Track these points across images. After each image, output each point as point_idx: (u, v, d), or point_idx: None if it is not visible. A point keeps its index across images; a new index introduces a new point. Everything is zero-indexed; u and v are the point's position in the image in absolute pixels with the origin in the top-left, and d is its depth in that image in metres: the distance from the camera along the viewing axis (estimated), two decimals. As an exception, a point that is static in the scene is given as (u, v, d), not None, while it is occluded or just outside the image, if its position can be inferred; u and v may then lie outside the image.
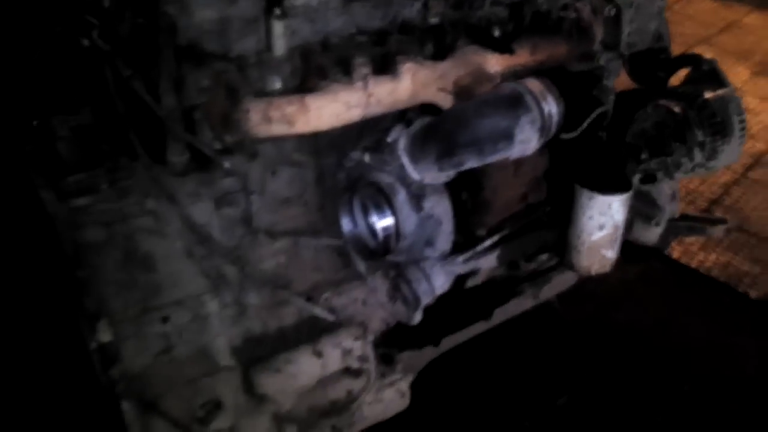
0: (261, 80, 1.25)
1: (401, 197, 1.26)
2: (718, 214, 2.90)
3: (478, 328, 1.79)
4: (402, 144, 1.19)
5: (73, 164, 1.43)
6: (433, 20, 1.42)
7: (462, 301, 1.68)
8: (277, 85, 1.27)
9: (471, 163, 1.16)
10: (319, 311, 1.41)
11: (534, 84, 1.14)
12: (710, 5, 4.62)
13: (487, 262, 1.38)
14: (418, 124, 1.21)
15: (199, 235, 1.26)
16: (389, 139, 1.20)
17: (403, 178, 1.25)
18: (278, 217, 1.42)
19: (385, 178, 1.28)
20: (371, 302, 1.49)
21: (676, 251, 2.73)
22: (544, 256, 1.70)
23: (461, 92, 1.29)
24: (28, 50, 1.77)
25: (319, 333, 1.42)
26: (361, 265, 1.41)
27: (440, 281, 1.25)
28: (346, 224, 1.38)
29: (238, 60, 1.24)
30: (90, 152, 1.45)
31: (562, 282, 1.86)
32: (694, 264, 2.70)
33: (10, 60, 1.80)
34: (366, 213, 1.35)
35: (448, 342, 1.72)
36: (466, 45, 1.42)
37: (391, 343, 1.55)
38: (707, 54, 1.64)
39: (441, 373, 1.73)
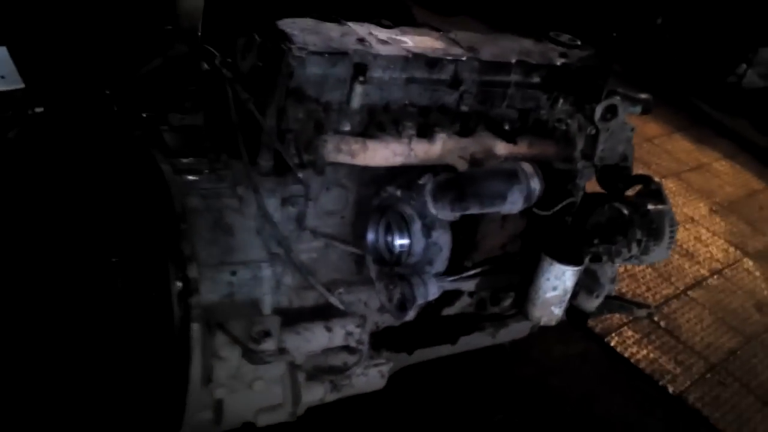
0: (337, 122, 1.76)
1: (417, 226, 1.75)
2: (657, 317, 3.42)
3: (444, 350, 2.27)
4: (429, 187, 1.69)
5: (174, 150, 1.92)
6: (463, 108, 1.95)
7: (435, 326, 2.16)
8: (348, 128, 1.78)
9: (473, 209, 1.66)
10: (334, 300, 1.87)
11: (527, 166, 1.66)
12: (687, 145, 5.24)
13: (467, 286, 1.87)
14: (443, 176, 1.72)
15: (267, 220, 1.74)
16: (421, 182, 1.70)
17: (421, 212, 1.75)
18: (321, 223, 1.90)
19: (408, 210, 1.78)
20: (370, 304, 1.97)
21: (613, 341, 3.23)
22: (506, 302, 2.19)
23: (474, 162, 1.81)
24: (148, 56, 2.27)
25: (330, 316, 1.88)
26: (372, 271, 1.89)
27: (433, 290, 1.73)
28: (370, 237, 1.87)
29: (325, 105, 1.75)
30: (192, 144, 1.93)
31: (516, 330, 2.34)
32: (626, 354, 3.18)
33: (134, 63, 2.30)
34: (388, 233, 1.84)
35: (420, 355, 2.19)
36: (483, 131, 1.95)
37: (379, 343, 2.02)
38: (673, 185, 2.18)
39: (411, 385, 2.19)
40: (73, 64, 2.58)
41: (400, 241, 1.77)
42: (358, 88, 1.74)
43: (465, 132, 1.90)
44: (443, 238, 1.73)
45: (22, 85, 3.00)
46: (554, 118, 2.05)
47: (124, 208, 2.01)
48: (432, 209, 1.67)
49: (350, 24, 1.88)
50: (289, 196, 1.80)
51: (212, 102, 1.95)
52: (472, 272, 1.83)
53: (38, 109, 2.43)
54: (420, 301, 1.71)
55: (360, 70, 1.72)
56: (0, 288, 2.21)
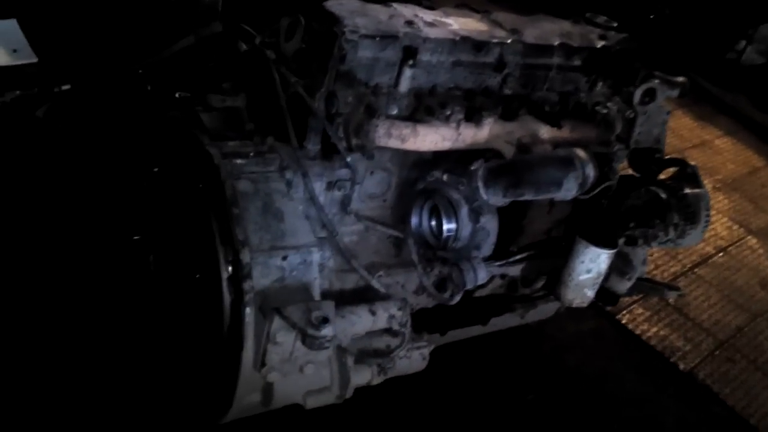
0: (386, 106, 1.75)
1: (465, 211, 1.76)
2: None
3: (474, 330, 2.29)
4: (480, 173, 1.69)
5: (215, 133, 1.90)
6: (507, 91, 1.95)
7: (468, 307, 2.18)
8: (396, 111, 1.77)
9: (527, 196, 1.67)
10: (376, 283, 1.88)
11: (582, 153, 1.67)
12: (689, 122, 5.27)
13: (513, 271, 1.89)
14: (495, 161, 1.72)
15: (315, 204, 1.74)
16: (472, 167, 1.70)
17: (469, 197, 1.76)
18: (363, 206, 1.90)
19: (455, 194, 1.78)
20: (408, 287, 1.99)
21: (624, 318, 3.27)
22: (537, 284, 2.21)
23: (521, 147, 1.81)
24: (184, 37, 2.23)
25: (372, 299, 1.89)
26: (415, 255, 1.89)
27: (482, 275, 1.74)
28: (414, 222, 1.87)
29: (374, 88, 1.74)
30: (234, 127, 1.91)
31: (544, 310, 2.37)
32: (638, 332, 3.23)
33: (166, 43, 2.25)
34: (433, 217, 1.84)
35: (451, 335, 2.21)
36: (526, 114, 1.95)
37: (419, 325, 2.03)
38: (680, 162, 2.20)
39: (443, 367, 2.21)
40: (95, 39, 2.53)
41: (447, 226, 1.77)
42: (408, 72, 1.72)
43: (508, 116, 1.89)
44: (491, 223, 1.74)
45: (34, 60, 2.94)
46: (593, 101, 2.05)
47: (162, 190, 1.99)
48: (483, 195, 1.68)
49: (395, 5, 1.86)
50: (336, 180, 1.79)
51: (254, 84, 1.92)
52: (518, 257, 1.84)
53: (65, 87, 2.39)
54: (469, 286, 1.72)
55: (410, 53, 1.71)
56: (30, 268, 2.19)
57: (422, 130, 1.73)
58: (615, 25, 2.19)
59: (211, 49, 2.16)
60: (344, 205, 1.84)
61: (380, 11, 1.79)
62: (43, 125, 2.20)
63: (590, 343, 3.15)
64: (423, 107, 1.78)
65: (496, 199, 1.69)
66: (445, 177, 1.79)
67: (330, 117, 1.71)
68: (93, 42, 2.60)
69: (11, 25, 3.03)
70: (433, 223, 1.83)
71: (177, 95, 2.07)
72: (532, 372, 2.70)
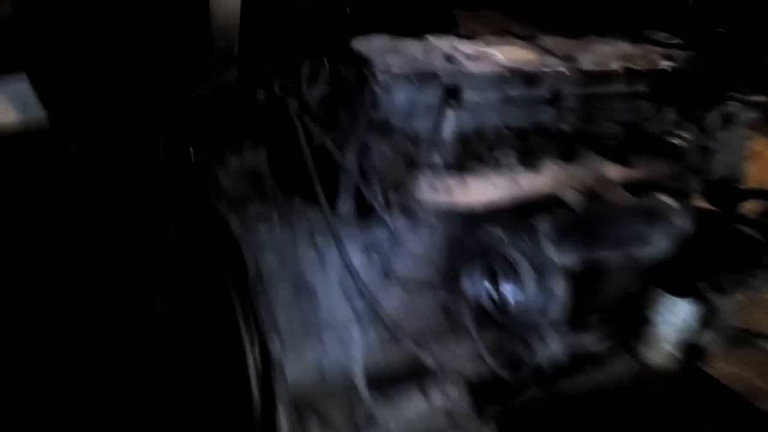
0: (428, 155, 1.51)
1: (528, 272, 1.49)
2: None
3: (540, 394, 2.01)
4: (545, 228, 1.43)
5: (235, 195, 1.68)
6: (563, 127, 1.69)
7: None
8: (439, 160, 1.52)
9: (607, 257, 1.40)
10: (427, 358, 1.62)
11: (671, 201, 1.40)
12: (740, 135, 4.93)
13: (586, 339, 1.62)
14: (561, 214, 1.46)
15: (351, 273, 1.49)
16: (534, 222, 1.45)
17: (532, 256, 1.49)
18: (406, 268, 1.65)
19: (515, 253, 1.52)
20: (462, 355, 1.72)
21: (696, 357, 2.95)
22: (608, 340, 1.93)
23: (589, 193, 1.55)
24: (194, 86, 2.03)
25: (423, 375, 1.63)
26: (470, 323, 1.63)
27: (555, 347, 1.48)
28: (468, 285, 1.61)
29: (413, 136, 1.50)
30: (255, 187, 1.69)
31: (619, 372, 2.08)
32: (710, 370, 2.92)
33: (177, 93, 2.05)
34: (490, 279, 1.58)
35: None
36: (587, 152, 1.69)
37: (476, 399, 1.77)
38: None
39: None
40: (105, 93, 2.34)
41: (506, 290, 1.51)
42: (451, 115, 1.48)
43: (568, 155, 1.64)
44: (559, 286, 1.47)
45: (44, 115, 2.76)
46: (662, 130, 1.79)
47: (179, 259, 1.78)
48: (551, 255, 1.42)
49: (430, 38, 1.62)
50: (374, 242, 1.55)
51: (275, 137, 1.70)
52: (595, 322, 1.57)
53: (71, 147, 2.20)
54: (540, 360, 1.46)
55: (452, 93, 1.47)
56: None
57: (472, 181, 1.49)
58: (678, 42, 1.93)
59: (228, 99, 1.95)
60: (385, 269, 1.59)
61: (414, 47, 1.56)
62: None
63: (660, 381, 2.84)
64: (471, 154, 1.54)
65: (567, 258, 1.43)
66: (501, 233, 1.53)
67: (363, 172, 1.47)
68: (104, 95, 2.42)
69: (20, 79, 2.88)
70: (492, 286, 1.56)
71: (191, 151, 1.85)
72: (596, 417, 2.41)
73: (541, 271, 1.49)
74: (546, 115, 1.67)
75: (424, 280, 1.69)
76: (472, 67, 1.54)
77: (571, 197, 1.56)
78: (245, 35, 2.22)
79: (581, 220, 1.44)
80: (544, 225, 1.42)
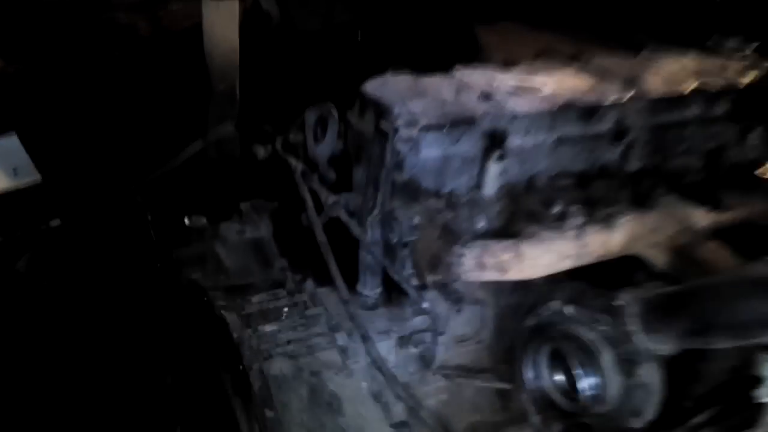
0: (470, 219, 1.19)
1: (608, 359, 1.17)
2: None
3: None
4: (634, 310, 1.11)
5: (236, 279, 1.38)
6: (632, 166, 1.37)
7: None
8: (483, 223, 1.21)
9: (723, 344, 1.07)
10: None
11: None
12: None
13: None
14: (652, 289, 1.14)
15: (384, 375, 1.18)
16: (617, 303, 1.12)
17: (612, 339, 1.17)
18: (451, 355, 1.34)
19: (589, 334, 1.20)
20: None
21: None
22: None
23: (678, 251, 1.22)
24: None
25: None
26: (535, 418, 1.31)
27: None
28: (528, 375, 1.29)
29: (449, 198, 1.19)
30: (259, 266, 1.39)
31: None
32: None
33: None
34: (558, 368, 1.26)
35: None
36: (665, 194, 1.36)
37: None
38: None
39: None
40: (96, 156, 2.07)
41: (585, 382, 1.19)
42: (495, 168, 1.17)
43: (642, 201, 1.31)
44: (654, 376, 1.14)
45: (38, 178, 2.49)
46: (748, 157, 1.45)
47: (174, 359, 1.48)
48: (646, 343, 1.09)
49: (459, 71, 1.32)
50: (410, 334, 1.24)
51: (279, 203, 1.40)
52: (700, 417, 1.23)
53: (54, 223, 1.92)
54: (636, 477, 1.13)
55: (496, 141, 1.15)
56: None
57: (528, 249, 1.16)
58: (754, 47, 1.60)
59: (224, 156, 1.66)
60: (426, 361, 1.28)
61: (442, 85, 1.26)
62: (24, 280, 1.71)
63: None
64: (522, 213, 1.22)
65: (664, 346, 1.10)
66: (570, 310, 1.21)
67: (390, 248, 1.16)
68: (89, 156, 2.14)
69: (11, 141, 2.61)
70: (560, 377, 1.24)
71: (186, 221, 1.56)
72: None
73: (629, 360, 1.16)
74: (611, 154, 1.35)
75: (474, 368, 1.38)
76: (516, 105, 1.23)
77: (657, 258, 1.24)
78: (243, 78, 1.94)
79: (683, 300, 1.11)
80: (632, 308, 1.09)
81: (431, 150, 1.15)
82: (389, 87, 1.23)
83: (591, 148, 1.33)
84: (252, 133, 1.56)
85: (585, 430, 1.25)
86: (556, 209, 1.23)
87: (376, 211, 1.16)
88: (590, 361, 1.19)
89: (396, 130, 1.10)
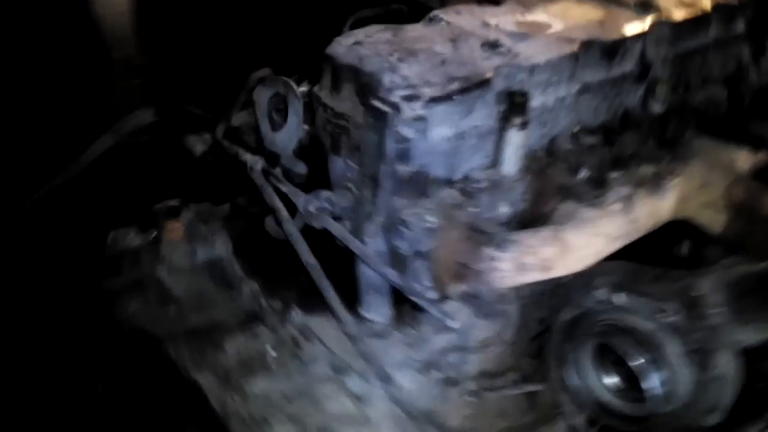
0: (492, 207, 0.93)
1: (676, 351, 0.96)
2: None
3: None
4: (719, 298, 0.89)
5: (189, 309, 1.09)
6: (655, 108, 1.13)
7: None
8: (506, 210, 0.95)
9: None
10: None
11: None
12: None
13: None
14: (736, 271, 0.92)
15: (416, 418, 0.93)
16: (696, 293, 0.90)
17: (680, 328, 0.96)
18: (470, 361, 1.10)
19: (647, 325, 0.98)
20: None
21: None
22: None
23: (736, 207, 1.01)
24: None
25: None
26: (579, 421, 1.10)
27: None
28: (571, 377, 1.07)
29: (464, 185, 0.92)
30: (221, 293, 1.10)
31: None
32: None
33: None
34: (608, 366, 1.04)
35: None
36: (695, 137, 1.14)
37: None
38: None
39: None
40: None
41: (651, 380, 0.98)
42: (517, 138, 0.90)
43: (665, 144, 1.09)
44: (732, 366, 0.94)
45: None
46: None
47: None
48: (737, 335, 0.88)
49: (445, 14, 1.03)
50: (435, 359, 0.99)
51: (233, 209, 1.10)
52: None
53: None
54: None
55: (516, 104, 0.88)
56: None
57: (573, 238, 0.92)
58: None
59: (143, 151, 1.33)
60: (452, 382, 1.04)
61: (431, 37, 0.97)
62: None
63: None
64: (551, 187, 0.97)
65: (756, 337, 0.89)
66: (620, 299, 0.99)
67: (400, 260, 0.90)
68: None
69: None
70: (613, 377, 1.03)
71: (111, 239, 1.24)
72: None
73: (701, 349, 0.95)
74: (633, 98, 1.11)
75: (497, 372, 1.14)
76: (530, 51, 0.96)
77: (713, 220, 1.02)
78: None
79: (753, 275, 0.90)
80: (716, 294, 0.88)
81: (441, 129, 0.87)
82: (366, 47, 0.93)
83: (613, 94, 1.08)
84: (178, 119, 1.23)
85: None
86: (584, 173, 0.99)
87: (378, 216, 0.88)
88: (653, 355, 0.98)
89: (397, 109, 0.81)
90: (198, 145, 1.16)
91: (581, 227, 0.94)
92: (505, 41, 0.98)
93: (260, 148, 1.07)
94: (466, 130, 0.90)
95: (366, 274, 0.95)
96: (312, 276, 0.94)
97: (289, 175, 1.03)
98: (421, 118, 0.83)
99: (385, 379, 0.92)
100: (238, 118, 1.13)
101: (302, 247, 0.92)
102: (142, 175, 1.37)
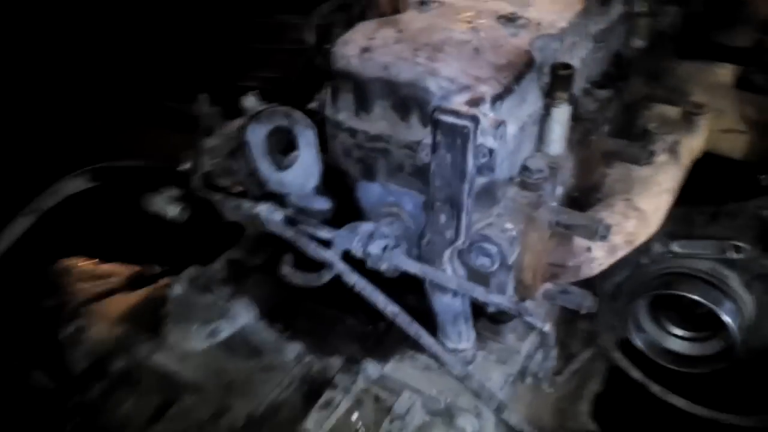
0: (552, 193, 0.85)
1: (737, 281, 0.96)
2: None
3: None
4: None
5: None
6: (640, 43, 1.10)
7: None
8: (560, 190, 0.88)
9: None
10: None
11: None
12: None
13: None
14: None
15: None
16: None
17: (738, 262, 0.95)
18: (552, 356, 1.04)
19: (705, 264, 0.97)
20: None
21: None
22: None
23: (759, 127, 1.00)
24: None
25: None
26: (636, 375, 1.09)
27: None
28: (636, 336, 1.05)
29: (524, 178, 0.83)
30: (263, 372, 0.94)
31: None
32: None
33: None
34: (669, 317, 1.03)
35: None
36: (676, 64, 1.13)
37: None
38: None
39: None
40: None
41: (726, 315, 0.97)
42: (562, 115, 0.82)
43: (653, 77, 1.07)
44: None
45: None
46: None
47: None
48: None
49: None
50: (524, 367, 0.92)
51: (236, 268, 0.95)
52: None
53: None
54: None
55: (559, 78, 0.80)
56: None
57: (646, 202, 0.87)
58: None
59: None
60: (537, 380, 0.97)
61: (440, 22, 0.86)
62: None
63: None
64: (594, 156, 0.91)
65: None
66: (678, 246, 0.96)
67: (481, 278, 0.80)
68: None
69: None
70: (679, 326, 1.02)
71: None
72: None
73: (761, 276, 0.96)
74: (619, 39, 1.06)
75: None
76: (546, 16, 0.88)
77: (733, 145, 1.02)
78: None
79: None
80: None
81: (510, 127, 0.77)
82: (381, 53, 0.80)
83: (608, 41, 1.02)
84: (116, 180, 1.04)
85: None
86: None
87: (460, 240, 0.77)
88: (721, 289, 0.97)
89: (476, 120, 0.69)
90: (167, 205, 0.97)
91: (647, 189, 0.89)
92: (518, 10, 0.88)
93: (261, 193, 0.91)
94: (526, 119, 0.81)
95: (444, 302, 0.85)
96: (398, 323, 0.82)
97: (310, 217, 0.88)
98: (501, 123, 0.72)
99: (501, 407, 0.83)
100: (218, 164, 0.95)
101: (378, 297, 0.79)
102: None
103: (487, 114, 0.73)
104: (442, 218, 0.77)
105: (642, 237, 0.87)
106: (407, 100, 0.77)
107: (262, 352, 0.96)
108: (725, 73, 1.12)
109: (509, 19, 0.86)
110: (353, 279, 0.80)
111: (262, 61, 2.04)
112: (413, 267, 0.80)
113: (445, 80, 0.76)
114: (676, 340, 1.05)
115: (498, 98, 0.75)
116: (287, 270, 0.90)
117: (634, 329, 1.06)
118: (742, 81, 1.14)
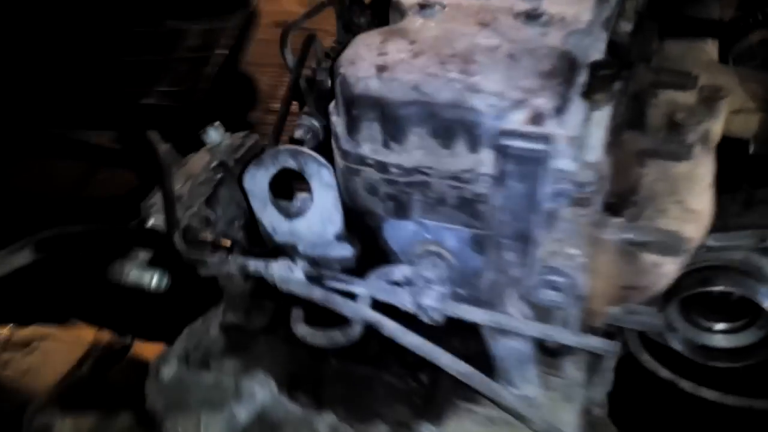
0: (597, 204, 0.77)
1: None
2: None
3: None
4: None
5: None
6: (627, 27, 1.02)
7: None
8: (600, 199, 0.79)
9: None
10: None
11: None
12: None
13: None
14: None
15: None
16: None
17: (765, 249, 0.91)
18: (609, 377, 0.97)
19: (739, 254, 0.92)
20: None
21: None
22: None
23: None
24: None
25: None
26: (665, 373, 1.03)
27: None
28: (672, 337, 0.99)
29: (576, 194, 0.74)
30: None
31: None
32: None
33: None
34: (704, 314, 0.98)
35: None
36: (662, 44, 1.07)
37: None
38: None
39: None
40: None
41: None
42: (602, 116, 0.74)
43: (642, 59, 1.01)
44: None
45: None
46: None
47: None
48: None
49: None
50: (587, 398, 0.83)
51: (238, 336, 0.81)
52: None
53: None
54: None
55: (598, 77, 0.71)
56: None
57: (697, 201, 0.81)
58: None
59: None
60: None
61: (454, 27, 0.75)
62: None
63: None
64: (628, 157, 0.83)
65: None
66: (717, 239, 0.90)
67: (545, 314, 0.70)
68: None
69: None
70: (715, 321, 0.97)
71: None
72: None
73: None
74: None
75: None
76: (562, 9, 0.78)
77: (745, 126, 0.96)
78: None
79: None
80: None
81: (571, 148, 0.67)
82: (402, 71, 0.68)
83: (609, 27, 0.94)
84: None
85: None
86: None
87: (530, 278, 0.67)
88: (757, 277, 0.92)
89: (550, 141, 0.59)
90: (143, 273, 0.81)
91: (692, 187, 0.82)
92: (537, 3, 0.78)
93: (262, 250, 0.77)
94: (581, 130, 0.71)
95: (508, 347, 0.74)
96: (473, 386, 0.70)
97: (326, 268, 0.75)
98: (575, 138, 0.62)
99: None
100: (206, 229, 0.80)
101: (445, 358, 0.67)
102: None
103: (557, 132, 0.63)
104: (509, 256, 0.66)
105: (699, 239, 0.80)
106: (450, 125, 0.66)
107: (278, 428, 0.82)
108: (712, 49, 1.07)
109: (530, 17, 0.75)
110: (408, 339, 0.68)
111: (155, 74, 1.87)
112: (480, 316, 0.68)
113: (492, 96, 0.65)
114: (714, 335, 1.00)
115: (559, 111, 0.65)
116: (303, 329, 0.77)
117: (667, 330, 1.00)
118: (740, 55, 1.10)
